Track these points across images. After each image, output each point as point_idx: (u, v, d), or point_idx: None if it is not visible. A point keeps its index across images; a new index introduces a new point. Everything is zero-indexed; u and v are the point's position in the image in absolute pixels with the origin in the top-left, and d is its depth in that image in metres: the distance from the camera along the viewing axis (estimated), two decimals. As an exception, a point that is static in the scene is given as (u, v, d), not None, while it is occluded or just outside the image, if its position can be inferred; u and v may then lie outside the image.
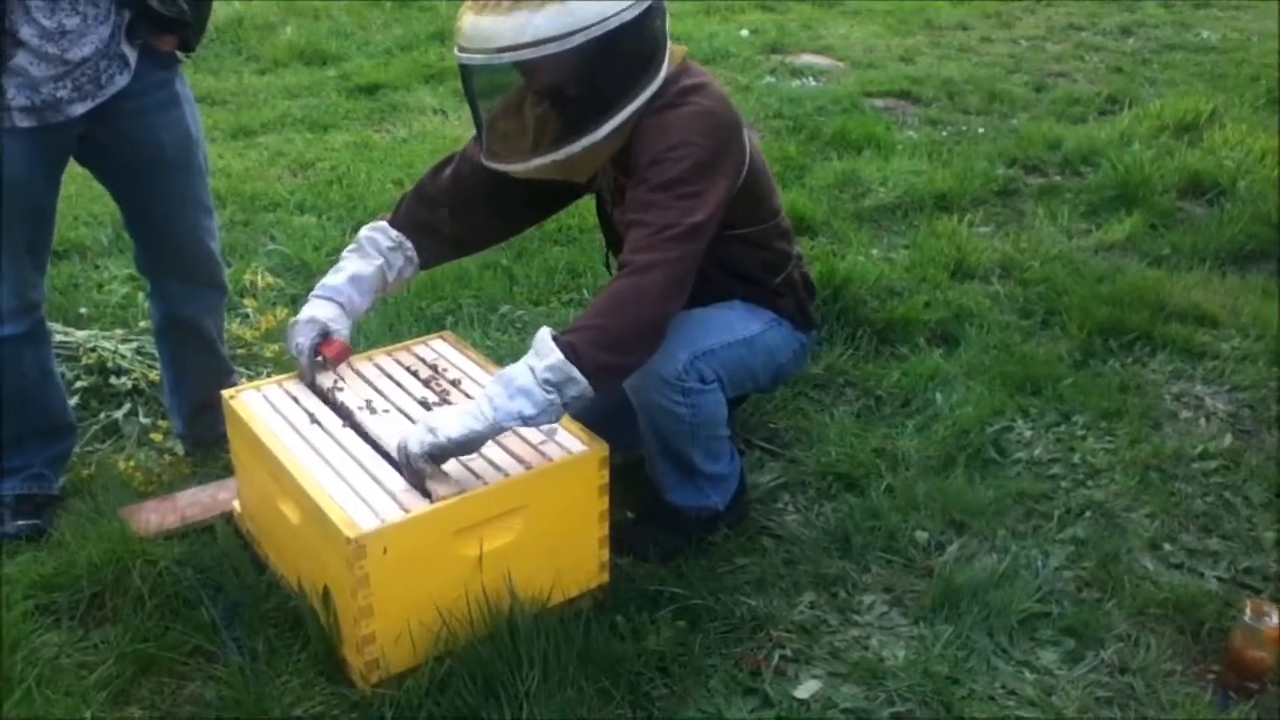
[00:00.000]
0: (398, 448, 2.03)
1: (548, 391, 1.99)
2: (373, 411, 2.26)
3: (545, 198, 2.49)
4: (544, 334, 2.04)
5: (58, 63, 2.20)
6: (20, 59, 2.17)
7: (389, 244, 2.38)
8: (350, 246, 2.42)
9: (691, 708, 2.06)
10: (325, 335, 2.32)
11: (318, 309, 2.33)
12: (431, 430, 1.98)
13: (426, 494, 2.01)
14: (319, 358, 2.33)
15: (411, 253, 2.40)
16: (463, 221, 2.43)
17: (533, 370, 2.00)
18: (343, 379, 2.35)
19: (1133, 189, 4.42)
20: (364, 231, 2.41)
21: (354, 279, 2.36)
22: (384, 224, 2.41)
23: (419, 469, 2.00)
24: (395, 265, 2.39)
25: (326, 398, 2.32)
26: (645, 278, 2.07)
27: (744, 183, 2.28)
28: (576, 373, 1.99)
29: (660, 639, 2.17)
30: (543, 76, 2.15)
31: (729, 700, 2.08)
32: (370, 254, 2.38)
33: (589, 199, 2.61)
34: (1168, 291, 3.62)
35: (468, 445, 2.01)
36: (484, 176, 2.34)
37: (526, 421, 2.01)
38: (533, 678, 2.00)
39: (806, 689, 2.11)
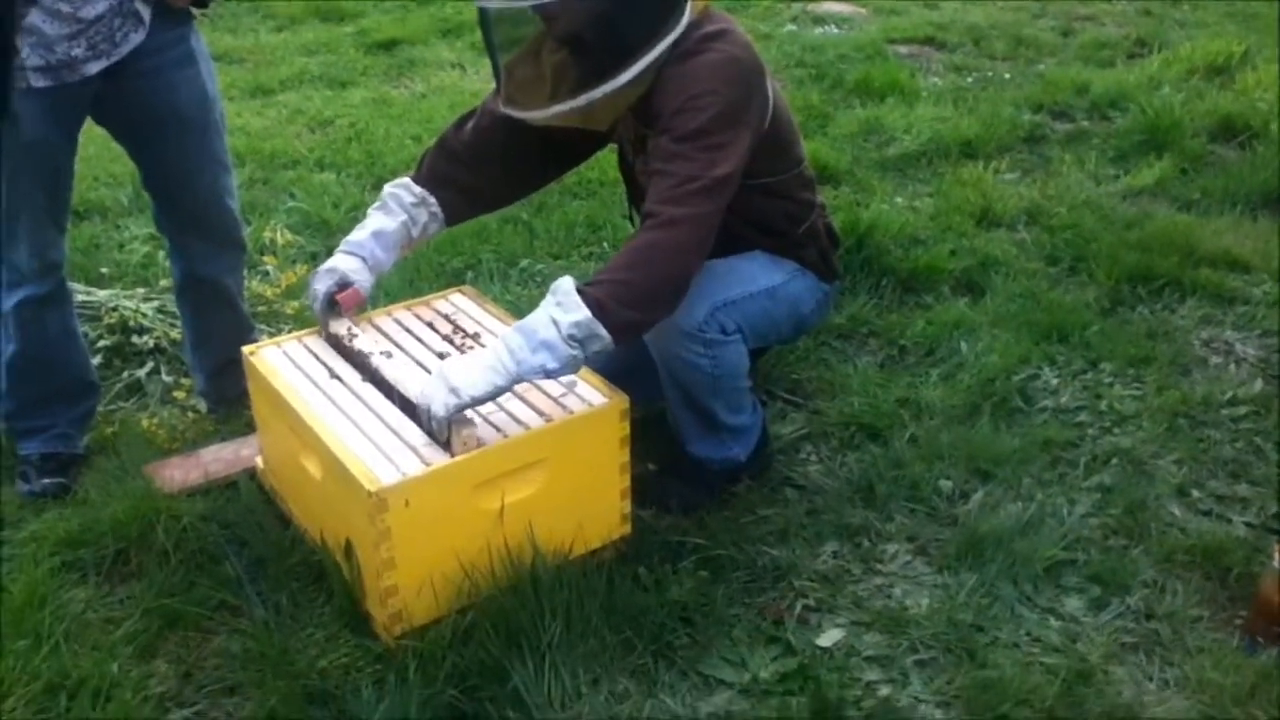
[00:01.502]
0: (419, 408, 2.02)
1: (571, 346, 1.98)
2: (389, 357, 2.25)
3: (565, 149, 2.46)
4: (568, 285, 2.01)
5: (71, 21, 2.19)
6: (34, 18, 2.16)
7: (412, 200, 2.36)
8: (375, 204, 2.40)
9: (714, 657, 2.07)
10: (343, 285, 2.31)
11: (339, 261, 2.33)
12: (454, 391, 1.97)
13: (448, 444, 2.01)
14: (334, 306, 2.33)
15: (436, 208, 2.38)
16: (485, 175, 2.41)
17: (557, 324, 1.98)
18: (357, 327, 2.34)
19: (1162, 133, 4.35)
20: (388, 188, 2.40)
21: (377, 234, 2.34)
22: (407, 180, 2.39)
23: (443, 430, 2.00)
24: (419, 221, 2.38)
25: (340, 344, 2.31)
26: (672, 233, 2.05)
27: (766, 132, 2.25)
28: (602, 329, 1.98)
29: (683, 589, 2.17)
30: (563, 23, 2.12)
31: (752, 649, 2.08)
32: (394, 210, 2.36)
33: (610, 150, 2.58)
34: (1197, 237, 3.56)
35: (490, 400, 2.03)
36: (504, 129, 2.31)
37: (548, 375, 2.02)
38: (555, 629, 2.01)
39: (829, 638, 2.11)
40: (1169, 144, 4.29)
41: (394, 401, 2.15)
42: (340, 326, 2.34)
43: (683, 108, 2.10)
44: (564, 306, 1.99)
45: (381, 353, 2.26)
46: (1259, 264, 3.45)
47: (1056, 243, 3.60)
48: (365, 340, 2.30)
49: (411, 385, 2.11)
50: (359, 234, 2.36)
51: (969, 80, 5.19)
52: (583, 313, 1.97)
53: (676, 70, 2.13)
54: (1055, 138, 4.55)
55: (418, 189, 2.37)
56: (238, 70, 5.41)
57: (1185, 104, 4.59)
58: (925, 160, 4.27)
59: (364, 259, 2.33)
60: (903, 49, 5.62)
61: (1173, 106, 4.50)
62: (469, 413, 2.05)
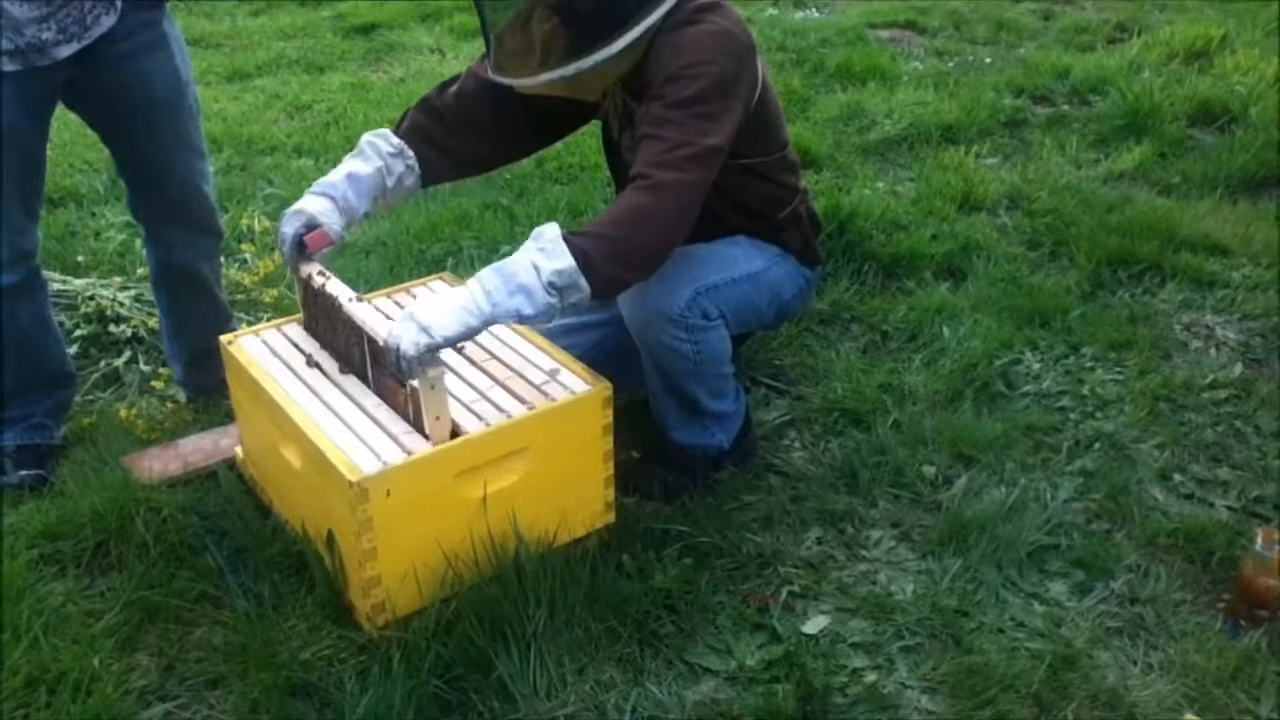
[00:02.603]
0: (387, 346, 1.94)
1: (550, 294, 1.93)
2: (358, 300, 2.17)
3: (549, 121, 2.43)
4: (553, 233, 1.96)
5: (41, 4, 2.16)
6: (2, 0, 2.12)
7: (390, 150, 2.30)
8: (351, 153, 2.33)
9: (700, 645, 2.06)
10: (312, 227, 2.21)
11: (307, 202, 2.23)
12: (425, 330, 1.90)
13: (413, 388, 1.96)
14: (304, 249, 2.23)
15: (413, 161, 2.31)
16: (465, 139, 2.36)
17: (538, 269, 1.93)
18: (324, 271, 2.25)
19: (1142, 117, 4.36)
20: (366, 136, 2.32)
21: (350, 177, 2.26)
22: (386, 131, 2.32)
23: (413, 371, 1.93)
24: (395, 171, 2.30)
25: (309, 287, 2.24)
26: (661, 196, 2.01)
27: (754, 111, 2.23)
28: (583, 281, 1.94)
29: (667, 577, 2.16)
30: None
31: (737, 636, 2.08)
32: (370, 157, 2.29)
33: (591, 134, 2.56)
34: (1177, 221, 3.57)
35: (462, 341, 1.97)
36: (489, 95, 2.28)
37: (521, 320, 1.97)
38: (540, 618, 2.00)
39: (815, 624, 2.11)
40: (1149, 128, 4.31)
41: (364, 351, 2.09)
42: (310, 269, 2.25)
43: (677, 75, 2.07)
44: (548, 253, 1.94)
45: (351, 297, 2.17)
46: (1238, 248, 3.46)
47: (1037, 227, 3.60)
48: (335, 284, 2.22)
49: (380, 328, 2.03)
50: (332, 176, 2.27)
51: (950, 65, 5.19)
52: (567, 261, 1.93)
53: (670, 39, 2.10)
54: (1036, 122, 4.56)
55: (396, 140, 2.31)
56: (214, 55, 5.37)
57: (1165, 88, 4.60)
58: (906, 145, 4.27)
59: (334, 200, 2.24)
60: (883, 33, 5.62)
61: (1152, 91, 4.51)
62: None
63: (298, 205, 2.23)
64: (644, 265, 2.06)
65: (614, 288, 2.05)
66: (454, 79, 2.38)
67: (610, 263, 1.97)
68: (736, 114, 2.12)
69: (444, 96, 2.35)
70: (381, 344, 1.97)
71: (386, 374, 2.05)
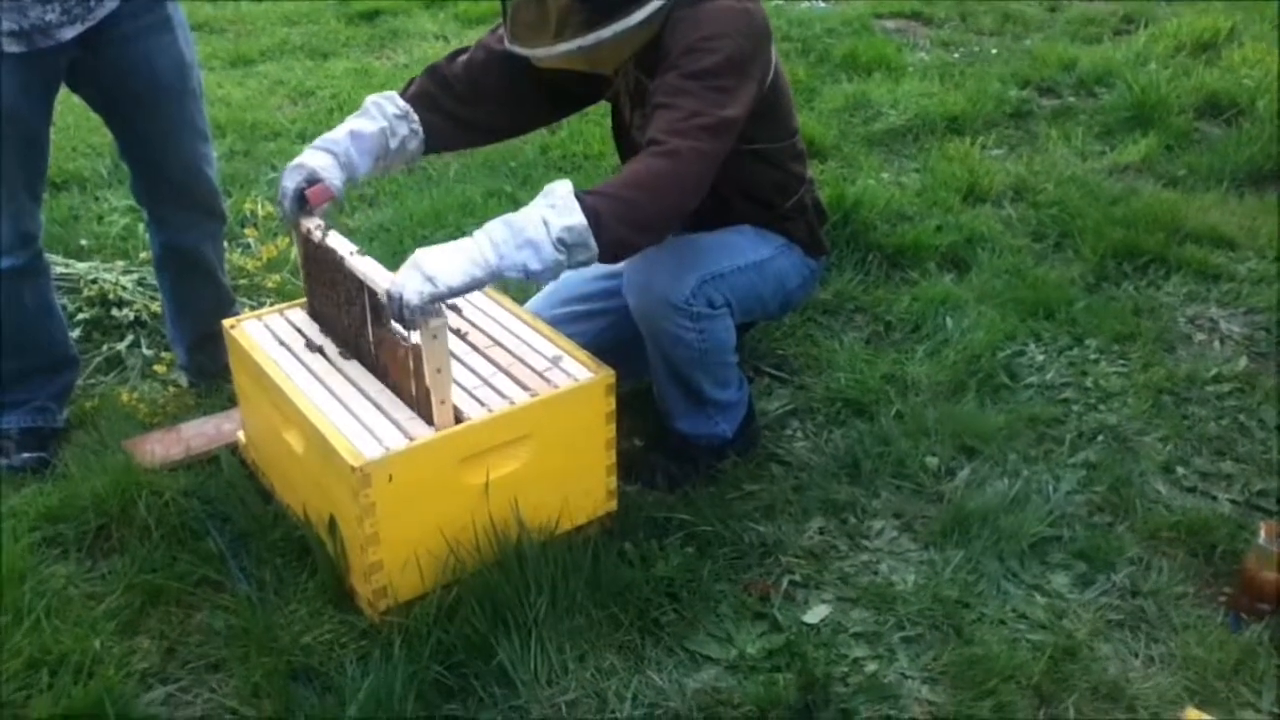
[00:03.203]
0: (390, 294, 1.90)
1: (558, 251, 1.91)
2: (360, 254, 2.13)
3: (559, 95, 2.40)
4: (565, 190, 1.94)
5: (46, -14, 2.15)
6: (7, -17, 2.12)
7: (395, 111, 2.27)
8: (355, 111, 2.30)
9: (701, 633, 2.06)
10: (312, 182, 2.18)
11: (308, 157, 2.21)
12: (430, 279, 1.87)
13: (417, 339, 1.94)
14: (304, 203, 2.20)
15: (417, 125, 2.29)
16: (472, 109, 2.34)
17: (547, 225, 1.90)
18: (324, 226, 2.21)
19: (1148, 110, 4.35)
20: (371, 97, 2.29)
21: (354, 134, 2.23)
22: (392, 93, 2.30)
23: (415, 321, 1.89)
24: (399, 133, 2.27)
25: (309, 242, 2.21)
26: (678, 163, 1.99)
27: (765, 95, 2.22)
28: (593, 240, 1.92)
29: (669, 565, 2.16)
30: None
31: (738, 625, 2.08)
32: (375, 116, 2.26)
33: (595, 122, 2.55)
34: (1183, 213, 3.56)
35: (467, 292, 1.94)
36: (499, 66, 2.27)
37: (528, 275, 1.93)
38: (541, 604, 2.00)
39: (816, 614, 2.11)
40: (1155, 120, 4.29)
41: (365, 306, 2.06)
42: (310, 223, 2.21)
43: (694, 47, 2.06)
44: (558, 210, 1.92)
45: (352, 251, 2.13)
46: (1244, 241, 3.46)
47: (1042, 219, 3.59)
48: (336, 238, 2.18)
49: (382, 280, 1.99)
50: (334, 132, 2.25)
51: (956, 55, 5.17)
52: (578, 218, 1.91)
53: (688, 14, 2.09)
54: (1042, 114, 4.54)
55: (402, 103, 2.29)
56: (218, 40, 5.36)
57: (1172, 80, 4.58)
58: (912, 136, 4.26)
59: (336, 155, 2.21)
60: (889, 23, 5.60)
61: (1159, 83, 4.50)
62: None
63: (299, 160, 2.21)
64: (654, 230, 2.04)
65: (622, 250, 2.03)
66: (463, 50, 2.36)
67: (621, 224, 1.95)
68: (751, 91, 2.11)
69: (453, 66, 2.33)
70: (383, 295, 1.94)
71: (387, 329, 2.04)
